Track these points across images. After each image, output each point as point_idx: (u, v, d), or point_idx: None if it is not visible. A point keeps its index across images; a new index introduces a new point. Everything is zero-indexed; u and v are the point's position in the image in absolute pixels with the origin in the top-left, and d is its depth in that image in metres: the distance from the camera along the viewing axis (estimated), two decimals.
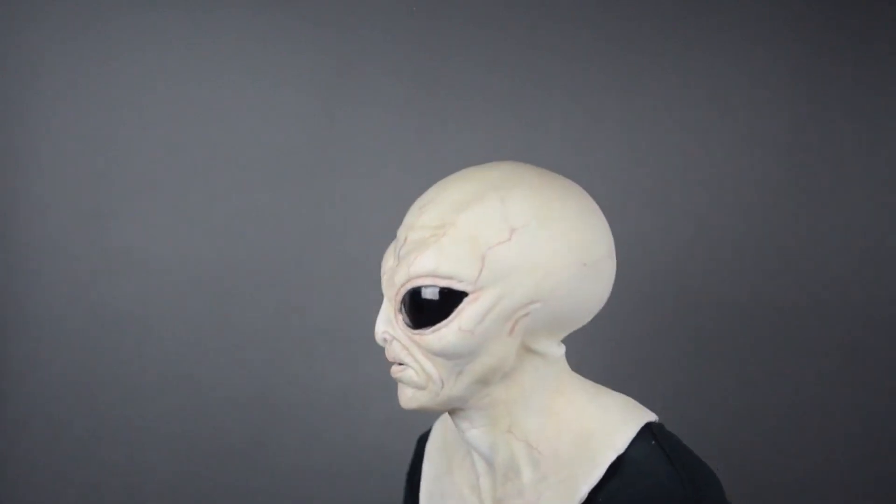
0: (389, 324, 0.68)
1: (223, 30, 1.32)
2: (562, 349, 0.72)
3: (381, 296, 0.70)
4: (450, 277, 0.64)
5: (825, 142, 1.39)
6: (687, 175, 1.38)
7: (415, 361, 0.67)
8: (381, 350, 0.70)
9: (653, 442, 0.70)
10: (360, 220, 1.35)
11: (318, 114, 1.34)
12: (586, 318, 0.71)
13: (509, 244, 0.65)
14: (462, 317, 0.65)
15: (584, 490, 0.68)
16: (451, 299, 0.65)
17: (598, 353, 1.38)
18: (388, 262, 0.69)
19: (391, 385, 0.74)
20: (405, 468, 0.88)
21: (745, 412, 1.40)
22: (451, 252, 0.65)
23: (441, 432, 0.83)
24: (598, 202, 0.78)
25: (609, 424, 0.71)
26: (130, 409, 1.33)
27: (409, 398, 0.69)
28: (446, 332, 0.65)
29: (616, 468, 0.68)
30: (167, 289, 1.33)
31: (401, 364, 0.68)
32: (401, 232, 0.68)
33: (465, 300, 0.65)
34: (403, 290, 0.66)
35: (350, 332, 1.34)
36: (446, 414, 0.79)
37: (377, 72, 1.33)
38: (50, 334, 1.32)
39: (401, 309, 0.67)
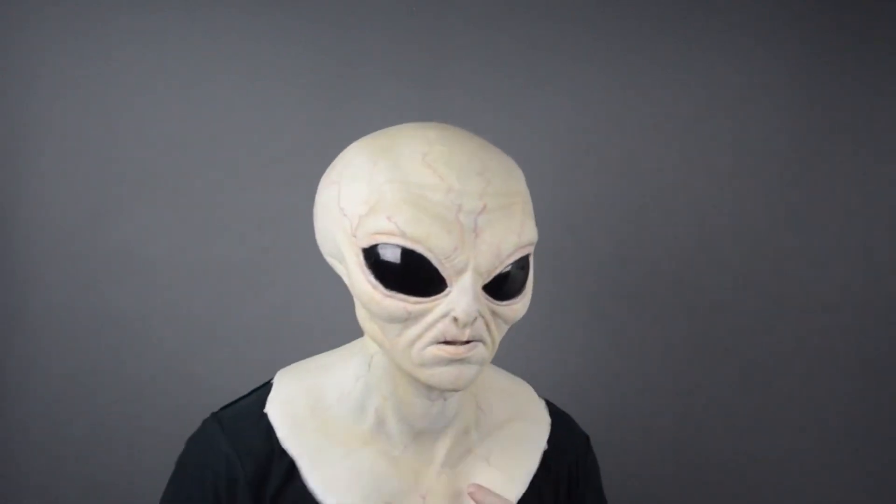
0: (480, 300, 0.63)
1: (223, 30, 1.32)
2: None
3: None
4: (534, 244, 0.67)
5: (825, 141, 1.39)
6: (687, 175, 1.38)
7: (489, 335, 0.65)
8: None
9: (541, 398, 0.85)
10: None
11: (318, 114, 1.34)
12: None
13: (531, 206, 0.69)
14: (531, 278, 0.68)
15: (543, 439, 0.79)
16: (528, 264, 0.67)
17: (599, 351, 1.38)
18: (451, 236, 0.61)
19: None
20: None
21: (744, 411, 1.40)
22: (532, 219, 0.67)
23: (291, 422, 0.74)
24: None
25: (516, 381, 0.84)
26: (130, 409, 1.33)
27: (470, 377, 0.64)
28: (528, 297, 0.67)
29: (552, 417, 0.83)
30: (167, 289, 1.33)
31: (472, 342, 0.63)
32: (464, 200, 0.61)
33: (531, 259, 0.67)
34: (513, 258, 0.63)
35: (350, 332, 1.34)
36: (288, 402, 0.74)
37: (377, 72, 1.33)
38: (50, 334, 1.32)
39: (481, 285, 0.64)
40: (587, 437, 0.86)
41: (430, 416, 0.72)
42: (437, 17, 1.34)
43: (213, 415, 0.76)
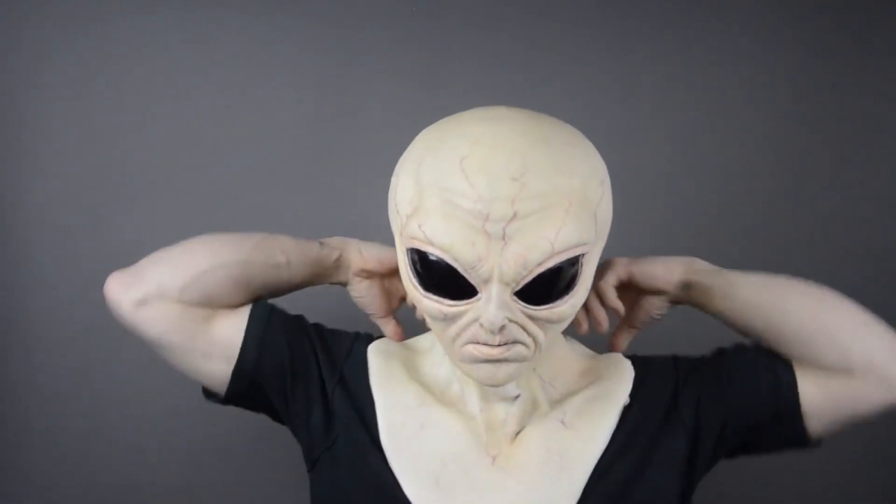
0: (507, 307, 0.64)
1: (223, 30, 1.32)
2: None
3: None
4: (584, 244, 0.64)
5: (825, 141, 1.39)
6: (687, 174, 1.38)
7: (528, 336, 0.66)
8: None
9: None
10: (361, 219, 1.35)
11: (318, 114, 1.34)
12: None
13: (605, 197, 0.68)
14: (585, 278, 0.67)
15: (624, 394, 0.78)
16: (572, 266, 0.65)
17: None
18: (478, 245, 0.62)
19: None
20: None
21: None
22: (582, 220, 0.64)
23: (381, 368, 0.82)
24: None
25: (610, 359, 0.83)
26: (130, 409, 1.33)
27: (510, 373, 0.67)
28: (577, 298, 0.66)
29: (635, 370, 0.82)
30: None
31: (511, 343, 0.65)
32: (494, 207, 0.62)
33: (584, 260, 0.65)
34: (546, 266, 0.63)
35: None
36: (389, 349, 0.83)
37: (377, 72, 1.33)
38: (50, 334, 1.32)
39: (513, 290, 0.64)
40: (672, 358, 0.85)
41: (500, 390, 0.75)
42: (437, 17, 1.34)
43: (361, 334, 0.87)
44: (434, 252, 0.63)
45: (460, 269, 0.63)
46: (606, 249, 0.77)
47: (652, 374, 0.82)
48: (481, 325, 0.63)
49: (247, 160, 1.33)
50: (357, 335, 0.89)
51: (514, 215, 0.62)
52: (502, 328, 0.63)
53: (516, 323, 0.65)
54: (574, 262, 0.65)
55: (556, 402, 0.78)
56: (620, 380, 0.80)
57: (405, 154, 0.74)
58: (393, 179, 0.74)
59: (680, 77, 1.37)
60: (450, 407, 0.78)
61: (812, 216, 1.39)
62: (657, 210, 1.37)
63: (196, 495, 1.37)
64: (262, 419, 1.40)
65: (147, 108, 1.32)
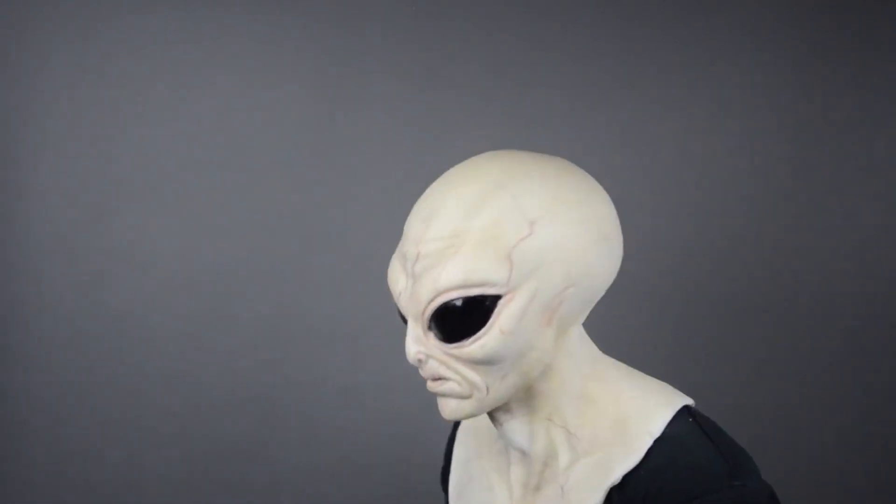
0: (421, 343, 0.65)
1: (224, 30, 1.32)
2: (582, 326, 0.73)
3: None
4: (482, 285, 0.63)
5: (825, 141, 1.39)
6: (687, 174, 1.38)
7: (455, 374, 0.66)
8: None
9: (690, 420, 0.69)
10: (361, 219, 1.35)
11: (318, 114, 1.34)
12: (607, 287, 0.71)
13: (532, 238, 0.64)
14: (501, 320, 0.64)
15: (619, 472, 0.68)
16: (481, 306, 0.64)
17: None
18: (399, 282, 0.67)
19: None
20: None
21: (748, 408, 1.40)
22: (476, 260, 0.63)
23: (467, 421, 0.83)
24: None
25: (646, 408, 0.71)
26: (130, 409, 1.33)
27: (453, 410, 0.68)
28: (488, 339, 0.64)
29: (653, 448, 0.68)
30: (167, 289, 1.33)
31: (440, 379, 0.67)
32: (408, 247, 0.66)
33: (501, 303, 0.64)
34: (432, 307, 0.64)
35: (350, 332, 1.34)
36: None
37: (378, 72, 1.33)
38: (50, 334, 1.32)
39: (429, 326, 0.65)
40: (704, 489, 0.67)
41: (503, 438, 0.74)
42: (437, 17, 1.34)
43: None
44: None
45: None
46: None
47: (668, 469, 0.68)
48: None
49: (246, 160, 1.33)
50: None
51: (418, 255, 0.64)
52: (422, 363, 0.66)
53: (436, 359, 0.66)
54: (480, 302, 0.64)
55: (576, 460, 0.72)
56: (626, 455, 0.69)
57: None
58: None
59: (680, 77, 1.37)
60: (492, 460, 0.78)
61: (813, 215, 1.39)
62: (657, 209, 1.37)
63: (196, 495, 1.37)
64: (262, 418, 1.40)
65: (147, 108, 1.32)
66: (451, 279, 0.63)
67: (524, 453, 0.72)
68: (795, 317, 1.39)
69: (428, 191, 0.67)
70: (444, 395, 0.67)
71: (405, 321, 0.68)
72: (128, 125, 1.32)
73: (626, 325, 1.38)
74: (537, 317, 0.65)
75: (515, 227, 0.64)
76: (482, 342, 0.64)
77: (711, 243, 1.38)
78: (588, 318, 0.74)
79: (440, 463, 0.83)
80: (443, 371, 0.66)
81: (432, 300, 0.64)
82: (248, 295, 1.34)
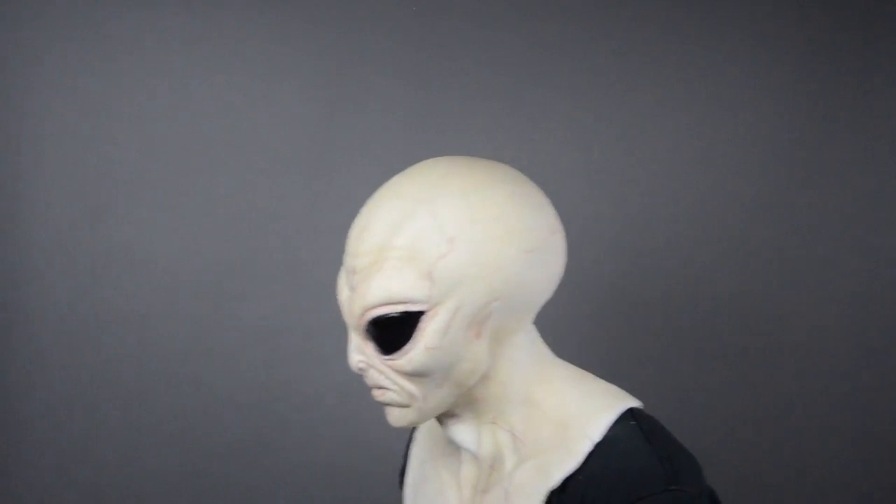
0: (361, 352, 0.69)
1: (223, 30, 1.32)
2: (533, 331, 0.72)
3: None
4: (405, 302, 0.65)
5: (825, 141, 1.38)
6: (687, 174, 1.38)
7: (394, 384, 0.68)
8: None
9: (632, 423, 0.70)
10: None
11: (318, 113, 1.34)
12: (548, 294, 0.71)
13: (452, 255, 0.65)
14: (425, 336, 0.65)
15: (558, 477, 0.68)
16: (412, 320, 0.66)
17: (598, 352, 1.38)
18: (343, 292, 0.70)
19: None
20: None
21: (745, 410, 1.40)
22: (398, 277, 0.65)
23: (427, 422, 0.84)
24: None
25: (588, 412, 0.71)
26: (130, 409, 1.33)
27: (397, 418, 0.70)
28: (414, 353, 0.66)
29: (593, 452, 0.68)
30: (167, 289, 1.33)
31: (381, 388, 0.69)
32: (347, 260, 0.69)
33: (423, 319, 0.65)
34: (364, 320, 0.67)
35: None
36: None
37: (377, 72, 1.33)
38: (50, 334, 1.32)
39: (368, 337, 0.68)
40: (641, 493, 0.65)
41: (452, 441, 0.75)
42: (437, 16, 1.34)
43: None
44: None
45: None
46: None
47: (608, 472, 0.67)
48: None
49: (246, 160, 1.33)
50: None
51: (354, 269, 0.67)
52: (364, 371, 0.69)
53: (375, 369, 0.69)
54: (406, 318, 0.65)
55: (520, 463, 0.72)
56: (566, 459, 0.69)
57: None
58: None
59: (680, 77, 1.37)
60: (446, 461, 0.79)
61: (814, 216, 1.39)
62: (657, 209, 1.37)
63: (196, 495, 1.37)
64: (262, 418, 1.40)
65: (146, 107, 1.32)
66: (375, 296, 0.65)
67: (474, 456, 0.74)
68: (796, 316, 1.39)
69: (368, 201, 0.69)
70: (387, 404, 0.70)
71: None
72: (128, 125, 1.32)
73: (624, 325, 1.38)
74: (463, 331, 0.66)
75: (435, 245, 0.65)
76: (409, 357, 0.66)
77: (712, 243, 1.38)
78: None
79: None
80: (382, 380, 0.69)
81: (363, 314, 0.66)
82: (249, 295, 1.34)
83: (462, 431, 0.72)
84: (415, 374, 0.67)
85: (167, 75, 1.32)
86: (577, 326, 1.37)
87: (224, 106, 1.33)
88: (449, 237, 0.65)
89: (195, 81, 1.32)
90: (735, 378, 1.40)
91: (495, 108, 1.35)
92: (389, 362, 0.67)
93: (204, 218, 1.33)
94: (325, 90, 1.34)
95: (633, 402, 0.72)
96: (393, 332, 0.66)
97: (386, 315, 0.65)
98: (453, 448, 0.78)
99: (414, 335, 0.66)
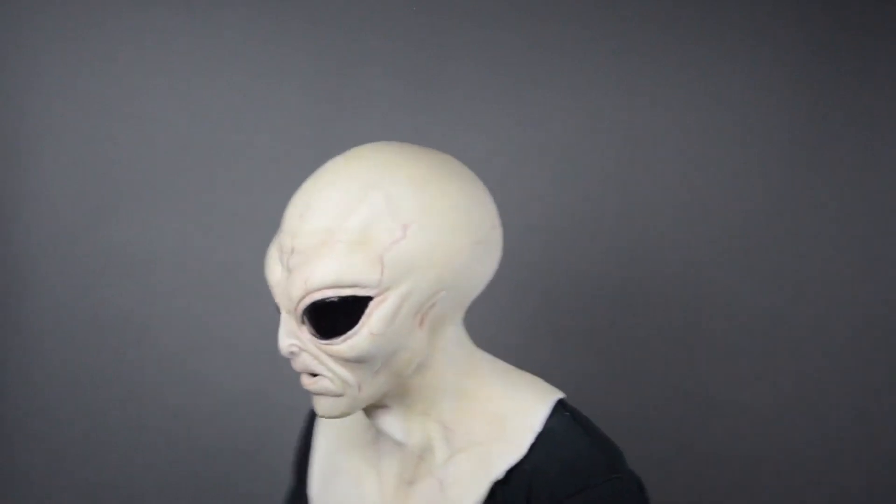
0: (294, 336, 0.66)
1: (223, 30, 1.32)
2: (462, 324, 0.73)
3: None
4: (353, 286, 0.63)
5: (825, 142, 1.39)
6: (687, 174, 1.38)
7: (328, 370, 0.66)
8: None
9: (566, 414, 0.72)
10: None
11: (318, 113, 1.34)
12: (483, 287, 0.72)
13: (405, 241, 0.64)
14: (371, 322, 0.64)
15: (502, 467, 0.70)
16: (356, 304, 0.64)
17: (595, 355, 1.38)
18: (275, 273, 0.67)
19: None
20: None
21: (742, 409, 1.40)
22: (348, 260, 0.63)
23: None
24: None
25: (524, 404, 0.73)
26: (130, 408, 1.34)
27: (328, 408, 0.67)
28: (357, 339, 0.64)
29: (535, 443, 0.70)
30: (167, 289, 1.33)
31: (313, 375, 0.66)
32: (284, 239, 0.66)
33: (371, 304, 0.64)
34: (304, 303, 0.64)
35: None
36: None
37: (377, 72, 1.33)
38: (50, 334, 1.32)
39: (303, 320, 0.65)
40: (587, 481, 0.68)
41: (381, 432, 0.73)
42: (437, 16, 1.34)
43: None
44: None
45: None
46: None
47: (551, 462, 0.69)
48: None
49: (246, 160, 1.33)
50: None
51: (293, 249, 0.64)
52: (295, 356, 0.66)
53: (309, 353, 0.66)
54: (352, 302, 0.64)
55: (452, 454, 0.72)
56: (508, 451, 0.70)
57: None
58: None
59: (680, 77, 1.37)
60: (363, 451, 0.77)
61: (814, 216, 1.39)
62: (657, 209, 1.37)
63: (196, 495, 1.37)
64: (262, 418, 1.40)
65: (147, 107, 1.32)
66: (322, 278, 0.63)
67: (400, 446, 0.72)
68: (795, 318, 1.39)
69: (307, 181, 0.66)
70: (318, 393, 0.67)
71: (279, 312, 0.67)
72: (128, 125, 1.32)
73: (624, 325, 1.38)
74: (409, 319, 0.66)
75: (388, 230, 0.64)
76: (351, 342, 0.64)
77: (713, 243, 1.38)
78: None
79: None
80: (314, 366, 0.66)
81: (304, 297, 0.63)
82: (248, 295, 1.34)
83: (391, 422, 0.71)
84: (355, 361, 0.65)
85: (167, 75, 1.32)
86: (577, 328, 1.37)
87: (224, 106, 1.33)
88: (403, 223, 0.64)
89: (195, 81, 1.32)
90: (735, 378, 1.40)
91: (495, 108, 1.35)
92: (327, 347, 0.65)
93: (204, 218, 1.33)
94: (325, 90, 1.34)
95: (560, 394, 0.74)
96: (330, 316, 0.64)
97: (328, 299, 0.63)
98: (370, 438, 0.76)
99: (361, 320, 0.64)
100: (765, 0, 1.36)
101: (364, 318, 0.64)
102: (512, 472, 0.70)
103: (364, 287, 0.63)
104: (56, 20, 1.30)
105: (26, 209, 1.31)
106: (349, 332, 0.64)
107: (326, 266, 0.63)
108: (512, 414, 0.72)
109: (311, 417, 0.85)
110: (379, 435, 0.76)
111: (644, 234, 1.37)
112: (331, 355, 0.65)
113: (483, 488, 0.70)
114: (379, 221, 0.64)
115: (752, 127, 1.38)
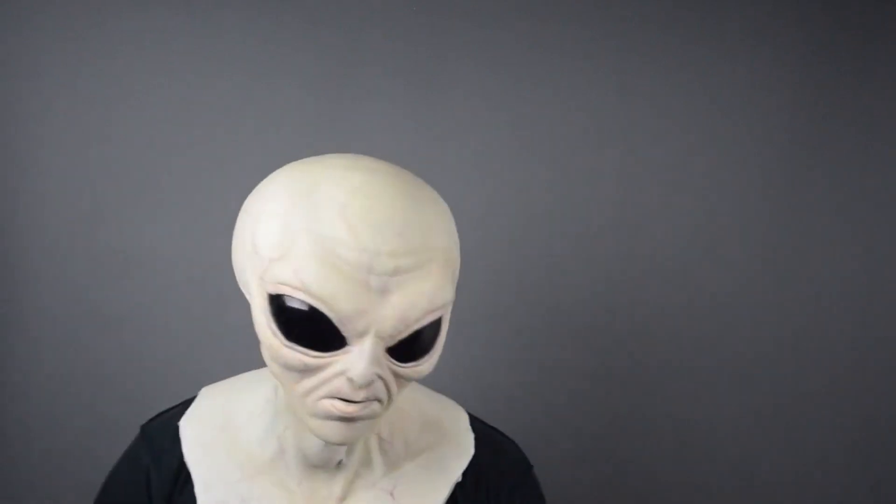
0: (378, 364, 0.61)
1: (223, 30, 1.32)
2: None
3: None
4: (444, 307, 0.63)
5: (825, 142, 1.39)
6: (687, 174, 1.38)
7: (387, 394, 0.63)
8: None
9: (472, 416, 0.80)
10: None
11: (318, 114, 1.34)
12: None
13: (458, 259, 0.67)
14: (441, 337, 0.65)
15: (458, 470, 0.74)
16: (437, 325, 0.64)
17: (595, 355, 1.38)
18: (359, 299, 0.59)
19: None
20: None
21: (738, 414, 1.40)
22: (448, 278, 0.63)
23: (197, 438, 0.74)
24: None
25: (450, 409, 0.78)
26: (130, 408, 1.34)
27: (360, 433, 0.63)
28: (433, 355, 0.64)
29: (476, 445, 0.77)
30: (166, 289, 1.33)
31: (370, 401, 0.62)
32: (380, 260, 0.59)
33: (443, 322, 0.64)
34: (416, 327, 0.61)
35: None
36: (205, 413, 0.75)
37: (377, 72, 1.33)
38: (50, 334, 1.32)
39: (392, 346, 0.62)
40: (526, 467, 0.78)
41: (324, 455, 0.70)
42: (437, 16, 1.34)
43: (142, 426, 0.78)
44: (308, 300, 0.59)
45: (335, 320, 0.60)
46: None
47: (492, 460, 0.76)
48: (349, 380, 0.60)
49: (246, 160, 1.33)
50: (174, 410, 0.80)
51: (396, 269, 0.60)
52: (370, 384, 0.61)
53: (383, 380, 0.62)
54: (438, 322, 0.64)
55: (392, 466, 0.72)
56: (459, 453, 0.74)
57: (260, 194, 0.66)
58: (246, 218, 0.67)
59: (680, 77, 1.37)
60: (271, 476, 0.72)
61: (813, 216, 1.39)
62: (657, 208, 1.37)
63: None
64: None
65: (146, 107, 1.32)
66: (444, 297, 0.62)
67: (333, 465, 0.70)
68: (795, 318, 1.39)
69: (359, 200, 0.61)
70: (361, 418, 0.62)
71: (347, 343, 0.61)
72: (128, 125, 1.32)
73: (623, 326, 1.38)
74: None
75: (457, 249, 0.66)
76: (432, 360, 0.65)
77: (714, 243, 1.38)
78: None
79: None
80: (381, 392, 0.62)
81: (420, 318, 0.61)
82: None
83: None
84: (421, 377, 0.66)
85: (167, 75, 1.32)
86: (579, 328, 1.37)
87: (224, 106, 1.33)
88: (456, 241, 0.67)
89: (195, 81, 1.32)
90: (735, 378, 1.40)
91: (495, 107, 1.35)
92: (409, 369, 0.63)
93: (204, 218, 1.33)
94: (325, 90, 1.34)
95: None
96: (422, 339, 0.63)
97: (432, 320, 0.62)
98: (268, 460, 0.72)
99: (439, 338, 0.64)
100: (765, 0, 1.36)
101: (441, 335, 0.65)
102: (466, 472, 0.74)
103: (446, 307, 0.64)
104: (56, 20, 1.30)
105: (26, 209, 1.31)
106: (432, 350, 0.64)
107: (432, 289, 0.61)
108: (445, 418, 0.77)
109: (156, 453, 0.75)
110: (282, 456, 0.71)
111: (644, 233, 1.37)
112: (403, 377, 0.63)
113: (444, 493, 0.72)
114: (455, 242, 0.66)
115: (752, 127, 1.38)
